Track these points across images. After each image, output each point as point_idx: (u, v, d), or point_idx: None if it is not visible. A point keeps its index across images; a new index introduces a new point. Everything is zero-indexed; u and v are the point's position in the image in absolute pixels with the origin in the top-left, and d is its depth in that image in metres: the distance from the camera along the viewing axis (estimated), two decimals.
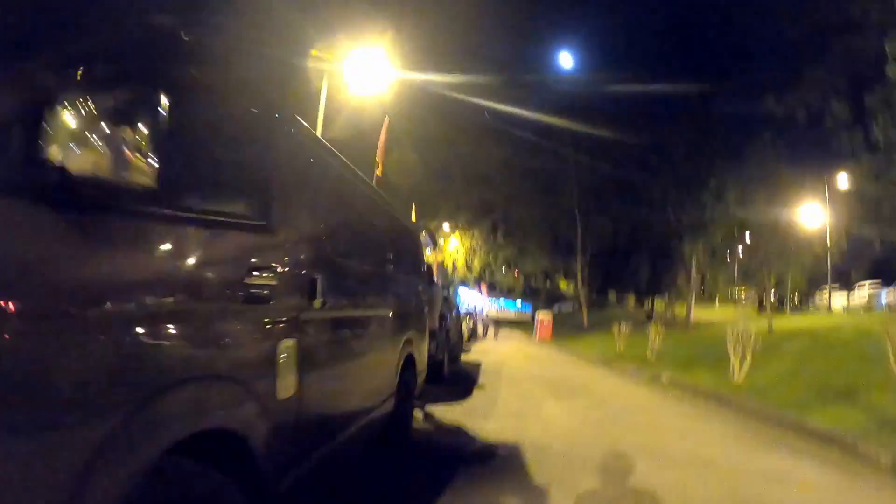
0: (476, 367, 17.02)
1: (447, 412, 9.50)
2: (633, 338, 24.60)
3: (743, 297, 66.94)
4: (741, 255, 43.08)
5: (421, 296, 8.39)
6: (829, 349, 17.07)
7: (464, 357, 20.33)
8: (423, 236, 8.82)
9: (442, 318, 12.55)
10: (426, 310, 8.74)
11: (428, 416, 9.05)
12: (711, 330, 35.87)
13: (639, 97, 46.17)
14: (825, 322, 29.14)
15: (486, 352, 25.51)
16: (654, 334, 21.26)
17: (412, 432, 7.53)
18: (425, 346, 8.51)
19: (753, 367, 13.58)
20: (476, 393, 11.80)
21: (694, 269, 42.93)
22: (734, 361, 13.87)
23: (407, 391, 6.89)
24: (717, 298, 64.11)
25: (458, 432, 8.12)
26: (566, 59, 48.19)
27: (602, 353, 24.59)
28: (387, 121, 23.26)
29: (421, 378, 8.13)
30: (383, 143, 23.00)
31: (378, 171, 22.61)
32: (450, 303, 14.03)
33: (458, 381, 13.34)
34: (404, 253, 7.48)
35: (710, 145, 39.38)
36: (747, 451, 7.74)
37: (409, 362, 7.01)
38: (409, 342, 6.92)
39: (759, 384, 12.70)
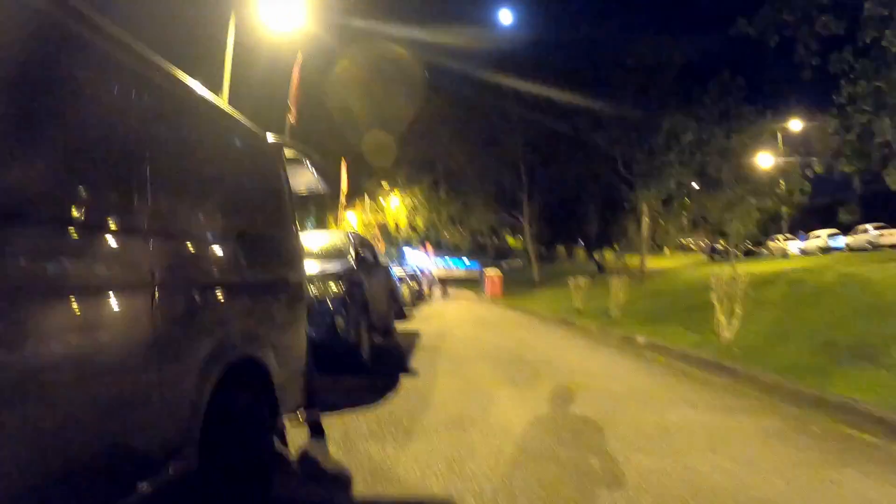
0: (413, 339, 13.64)
1: (351, 426, 6.03)
2: (590, 291, 21.75)
3: (692, 245, 65.29)
4: (690, 202, 40.40)
5: (287, 262, 4.89)
6: (816, 297, 14.41)
7: (403, 326, 17.11)
8: (305, 165, 5.11)
9: (355, 285, 9.07)
10: (299, 280, 5.13)
11: (315, 438, 5.48)
12: (668, 279, 33.56)
13: (582, 43, 43.52)
14: (790, 266, 26.56)
15: (430, 317, 22.18)
16: (616, 288, 18.31)
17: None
18: (297, 338, 4.93)
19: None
20: (403, 384, 8.26)
21: (646, 218, 40.59)
22: (720, 316, 11.16)
23: (239, 437, 3.55)
24: (666, 248, 62.55)
25: (346, 481, 4.57)
26: (506, 16, 45.85)
27: (559, 311, 21.87)
28: (300, 58, 19.49)
29: (293, 397, 4.68)
30: (296, 83, 19.26)
31: (291, 118, 19.00)
32: (369, 264, 10.44)
33: (384, 364, 9.98)
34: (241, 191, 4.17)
35: (659, 88, 36.46)
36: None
37: (245, 376, 3.62)
38: (239, 338, 3.62)
39: (752, 343, 10.52)
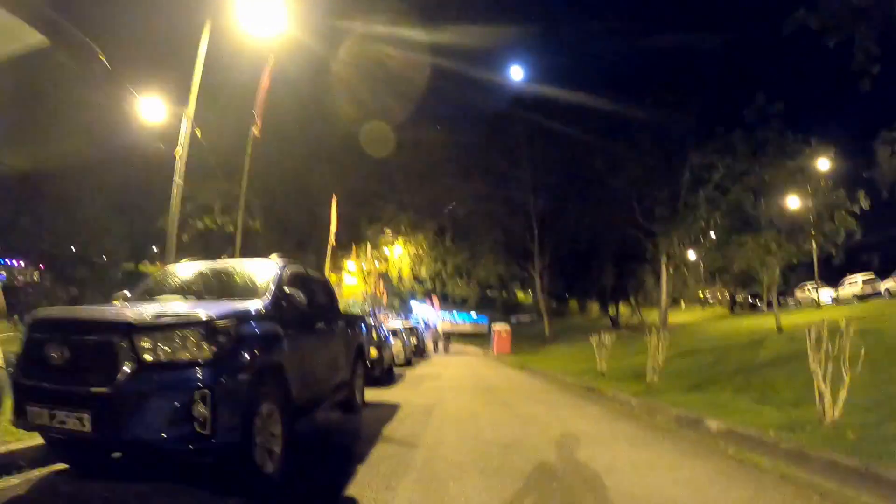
0: (387, 417, 9.24)
1: None
2: (610, 350, 17.70)
3: (709, 297, 60.89)
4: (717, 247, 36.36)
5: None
6: None
7: (384, 393, 13.02)
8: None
9: (250, 341, 5.03)
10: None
11: None
12: (694, 334, 29.24)
13: (598, 81, 39.99)
14: (834, 316, 22.19)
15: (424, 379, 17.73)
16: (656, 344, 14.01)
17: None
18: None
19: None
20: None
21: (664, 267, 36.49)
22: (821, 385, 7.34)
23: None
24: (682, 301, 58.21)
25: None
26: (517, 72, 43.15)
27: (580, 374, 17.64)
28: (270, 63, 15.62)
29: None
30: (264, 92, 15.44)
31: (256, 130, 15.18)
32: (300, 310, 6.20)
33: (308, 475, 5.82)
34: None
35: (683, 124, 32.53)
36: None
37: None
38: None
39: (861, 420, 6.97)
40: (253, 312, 5.53)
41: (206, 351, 4.51)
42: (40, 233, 30.75)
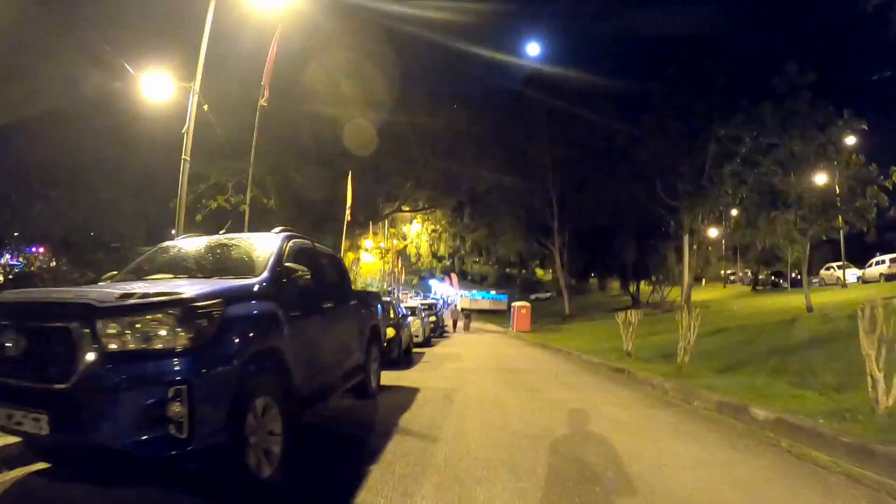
0: (405, 403, 8.45)
1: None
2: (643, 328, 17.44)
3: (731, 275, 59.73)
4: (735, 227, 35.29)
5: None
6: None
7: (403, 375, 12.22)
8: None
9: (241, 323, 4.40)
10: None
11: None
12: (719, 313, 28.31)
13: (620, 52, 38.69)
14: (865, 294, 21.36)
15: (444, 360, 16.93)
16: (688, 324, 13.10)
17: None
18: None
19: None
20: None
21: (687, 245, 35.48)
22: (874, 371, 6.62)
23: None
24: (703, 279, 57.10)
25: None
26: (533, 49, 42.02)
27: (605, 354, 16.81)
28: (278, 34, 14.87)
29: None
30: (272, 62, 14.73)
31: (263, 100, 14.51)
32: (307, 289, 5.59)
33: (311, 474, 5.05)
34: None
35: (710, 95, 31.27)
36: None
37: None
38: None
39: None
40: (246, 291, 4.79)
41: (184, 337, 3.73)
42: (56, 218, 30.22)
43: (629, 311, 17.17)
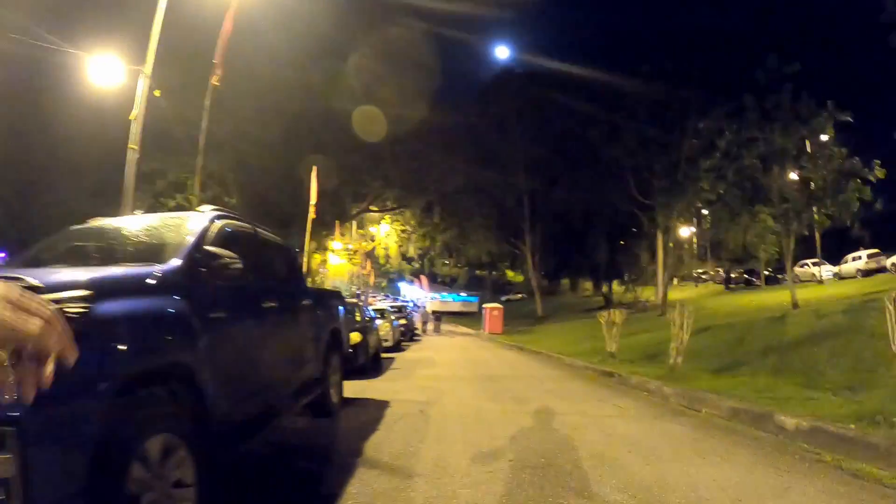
0: (374, 421, 7.01)
1: None
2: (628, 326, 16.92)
3: (702, 274, 59.01)
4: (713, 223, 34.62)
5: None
6: None
7: (371, 385, 10.90)
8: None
9: (121, 325, 2.82)
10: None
11: None
12: (697, 310, 27.00)
13: (595, 42, 37.68)
14: (845, 291, 21.85)
15: (416, 365, 15.51)
16: (680, 322, 11.99)
17: None
18: None
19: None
20: None
21: (662, 243, 34.61)
22: None
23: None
24: (674, 278, 56.33)
25: None
26: (503, 52, 41.19)
27: (587, 356, 15.89)
28: (234, 4, 13.39)
29: None
30: (226, 36, 13.31)
31: (215, 79, 13.16)
32: (236, 285, 4.37)
33: None
34: None
35: (686, 89, 30.33)
36: None
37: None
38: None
39: None
40: (137, 281, 3.35)
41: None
42: (11, 219, 28.40)
43: (612, 311, 16.00)
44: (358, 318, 13.65)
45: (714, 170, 24.89)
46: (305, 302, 6.44)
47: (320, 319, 6.94)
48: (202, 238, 4.26)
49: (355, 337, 11.80)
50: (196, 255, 4.03)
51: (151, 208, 26.39)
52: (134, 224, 4.88)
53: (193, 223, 4.49)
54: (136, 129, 12.60)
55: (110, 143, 21.50)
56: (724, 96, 24.33)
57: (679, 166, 30.50)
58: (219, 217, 4.79)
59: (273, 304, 5.18)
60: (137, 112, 12.54)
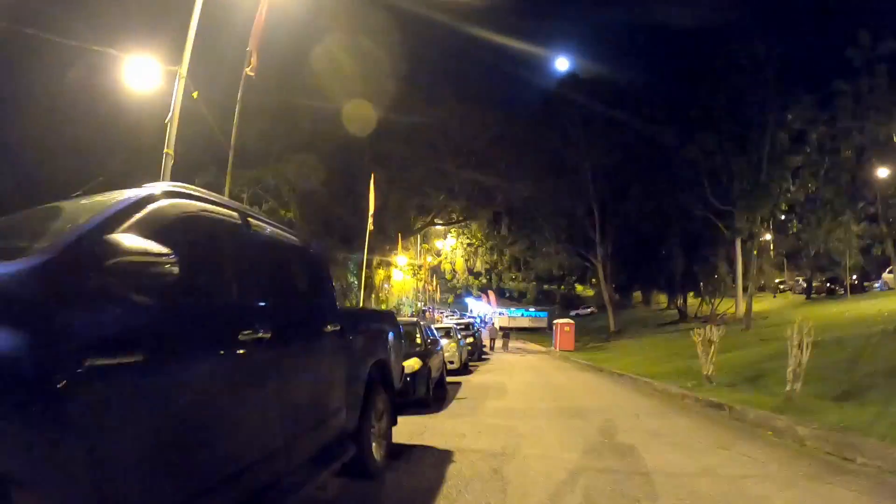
0: (420, 499, 5.09)
1: None
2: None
3: (780, 284, 55.34)
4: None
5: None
6: None
7: (429, 423, 8.98)
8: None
9: None
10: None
11: None
12: (783, 325, 24.36)
13: (661, 42, 35.28)
14: None
15: (484, 394, 13.31)
16: (798, 343, 9.67)
17: None
18: None
19: None
20: None
21: (741, 251, 32.00)
22: None
23: None
24: (749, 289, 52.87)
25: None
26: (562, 64, 39.38)
27: (679, 379, 13.57)
28: None
29: None
30: (260, 25, 11.87)
31: (250, 69, 11.70)
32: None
33: None
34: None
35: (764, 82, 27.62)
36: None
37: None
38: None
39: None
40: None
41: None
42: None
43: (709, 327, 13.68)
44: (418, 341, 11.69)
45: (805, 166, 22.52)
46: (331, 328, 4.48)
47: (356, 351, 5.00)
48: (110, 222, 2.35)
49: (413, 364, 9.83)
50: (83, 248, 2.12)
51: None
52: (64, 206, 3.04)
53: (114, 203, 2.59)
54: (171, 133, 11.34)
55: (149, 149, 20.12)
56: (810, 83, 21.77)
57: (761, 166, 27.83)
58: (172, 194, 2.88)
59: (263, 335, 3.20)
60: (171, 114, 11.33)
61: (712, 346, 12.87)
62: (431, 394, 10.89)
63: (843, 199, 20.70)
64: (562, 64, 40.64)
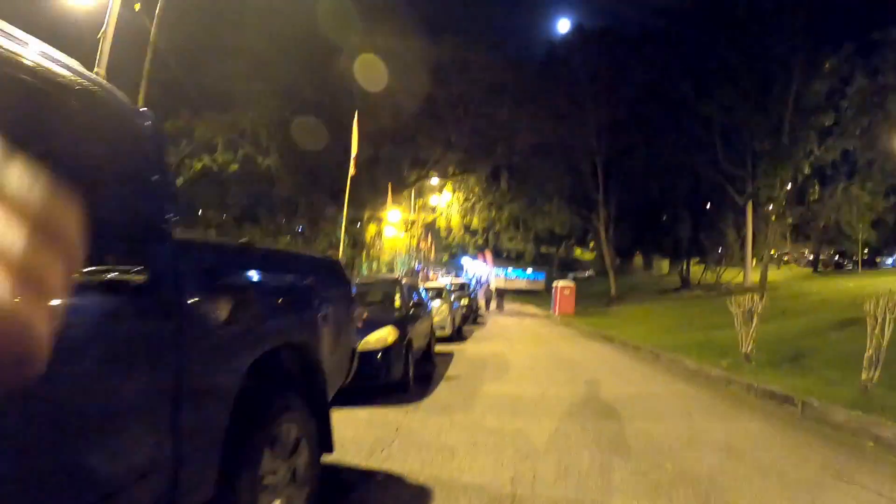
0: None
1: None
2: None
3: (785, 255, 52.80)
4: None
5: None
6: None
7: (410, 420, 6.46)
8: None
9: None
10: None
11: None
12: (807, 299, 22.02)
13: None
14: None
15: (483, 370, 10.60)
16: (882, 319, 7.05)
17: None
18: None
19: None
20: None
21: (750, 220, 29.58)
22: None
23: None
24: (753, 259, 50.48)
25: None
26: (563, 25, 36.80)
27: (705, 353, 11.31)
28: None
29: None
30: None
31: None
32: None
33: None
34: None
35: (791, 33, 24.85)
36: None
37: None
38: None
39: None
40: None
41: None
42: None
43: (751, 296, 11.15)
44: (397, 304, 9.01)
45: (837, 125, 20.09)
46: (122, 276, 1.81)
47: (207, 331, 2.33)
48: None
49: (385, 336, 7.19)
50: None
51: (174, 170, 22.71)
52: None
53: None
54: (104, 49, 9.68)
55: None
56: (845, 33, 19.20)
57: (783, 126, 25.18)
58: None
59: None
60: (106, 28, 9.80)
61: (754, 319, 10.37)
62: (412, 372, 8.17)
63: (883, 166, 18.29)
64: (563, 25, 38.24)
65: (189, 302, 2.18)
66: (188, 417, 2.13)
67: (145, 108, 2.34)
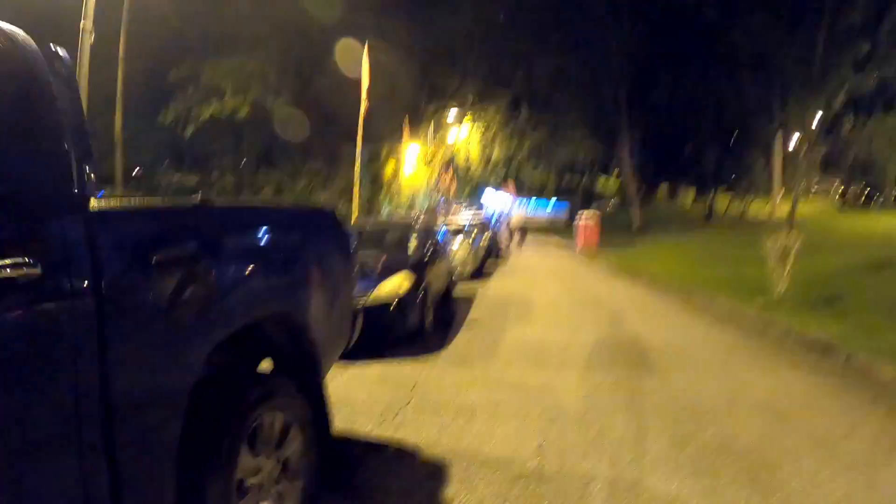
0: None
1: None
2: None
3: (812, 190, 51.34)
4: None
5: None
6: None
7: (429, 375, 6.02)
8: None
9: None
10: None
11: None
12: (841, 234, 21.37)
13: None
14: None
15: (506, 314, 9.92)
16: None
17: None
18: None
19: None
20: None
21: (779, 150, 28.61)
22: None
23: None
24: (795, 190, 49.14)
25: None
26: None
27: (736, 292, 10.82)
28: None
29: None
30: None
31: None
32: None
33: None
34: None
35: None
36: None
37: None
38: None
39: None
40: None
41: None
42: None
43: (786, 232, 10.67)
44: (412, 248, 8.49)
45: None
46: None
47: (129, 310, 1.85)
48: None
49: (398, 284, 6.73)
50: None
51: (182, 119, 22.21)
52: None
53: None
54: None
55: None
56: None
57: (815, 55, 24.03)
58: None
59: None
60: None
61: (790, 257, 9.83)
62: (431, 318, 7.77)
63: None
64: None
65: (111, 288, 1.69)
66: (125, 432, 1.69)
67: (54, 45, 1.80)
